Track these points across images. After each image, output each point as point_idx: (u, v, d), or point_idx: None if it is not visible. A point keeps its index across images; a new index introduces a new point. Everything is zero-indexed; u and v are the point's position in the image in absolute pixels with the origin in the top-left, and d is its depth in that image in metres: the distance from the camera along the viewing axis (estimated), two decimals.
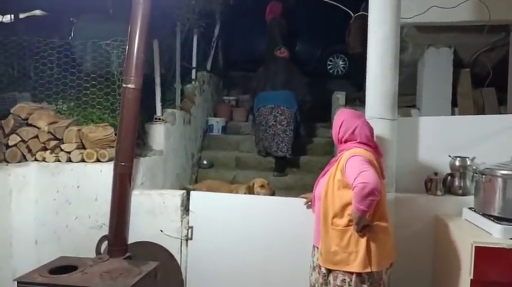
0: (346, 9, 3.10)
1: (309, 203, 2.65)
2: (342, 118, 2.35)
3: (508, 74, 3.91)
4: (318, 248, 2.30)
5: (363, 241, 2.11)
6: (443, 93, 4.70)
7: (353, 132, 2.28)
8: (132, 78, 2.94)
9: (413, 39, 4.55)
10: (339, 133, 2.33)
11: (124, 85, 2.95)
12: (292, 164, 4.91)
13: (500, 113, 4.43)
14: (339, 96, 5.07)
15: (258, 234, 2.87)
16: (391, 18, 2.73)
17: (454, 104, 4.73)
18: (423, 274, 2.77)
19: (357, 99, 5.01)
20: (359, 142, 2.26)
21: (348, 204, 2.12)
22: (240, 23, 6.27)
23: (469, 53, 4.76)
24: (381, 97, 2.75)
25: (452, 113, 4.65)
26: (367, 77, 2.82)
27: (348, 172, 2.11)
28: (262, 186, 3.44)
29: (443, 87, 4.69)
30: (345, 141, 2.30)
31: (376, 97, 2.77)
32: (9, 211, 2.91)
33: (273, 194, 3.47)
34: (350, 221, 2.13)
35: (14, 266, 2.90)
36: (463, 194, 2.74)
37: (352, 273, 2.11)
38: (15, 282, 2.41)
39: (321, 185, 2.30)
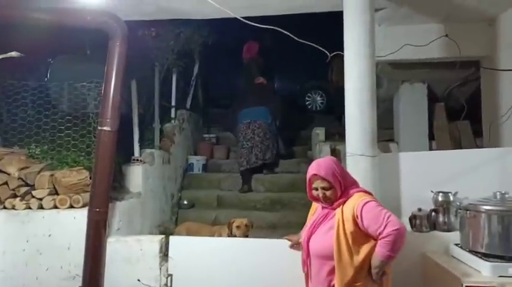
0: (322, 49, 3.15)
1: (294, 245, 2.56)
2: (333, 164, 2.10)
3: (482, 107, 4.02)
4: None
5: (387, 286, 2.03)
6: (420, 127, 4.79)
7: (347, 178, 2.12)
8: (108, 120, 2.87)
9: (387, 75, 4.67)
10: (343, 180, 2.07)
11: (99, 128, 2.87)
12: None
13: (477, 145, 4.52)
14: (319, 132, 5.09)
15: (240, 278, 2.72)
16: (367, 56, 2.79)
17: (431, 137, 4.82)
18: None
19: (336, 135, 5.04)
20: (356, 184, 2.14)
21: (368, 257, 1.95)
22: (219, 61, 6.35)
23: (443, 87, 4.92)
24: (360, 133, 2.76)
25: (430, 146, 4.73)
26: (345, 114, 2.83)
27: (368, 221, 1.93)
28: (238, 227, 3.33)
29: (420, 121, 4.79)
30: (346, 187, 2.09)
31: (355, 133, 2.78)
32: None
33: (246, 235, 3.35)
34: (368, 273, 1.97)
35: None
36: (448, 230, 2.70)
37: None
38: None
39: (322, 241, 2.05)
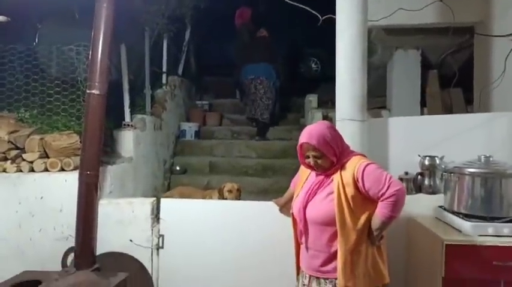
0: (314, 12, 3.10)
1: (282, 209, 2.60)
2: (327, 130, 2.01)
3: (474, 74, 4.01)
4: (315, 277, 2.05)
5: (383, 250, 2.04)
6: (412, 94, 4.79)
7: (341, 143, 2.06)
8: (96, 84, 2.83)
9: (381, 41, 4.62)
10: (337, 147, 2.00)
11: (88, 91, 2.84)
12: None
13: (468, 112, 4.55)
14: (312, 99, 5.09)
15: (230, 240, 2.81)
16: (359, 21, 2.75)
17: (423, 104, 4.83)
18: (396, 274, 2.77)
19: (329, 102, 5.04)
20: (351, 149, 2.11)
21: (369, 220, 1.95)
22: (212, 27, 6.23)
23: (437, 54, 4.88)
24: (350, 99, 2.76)
25: (422, 114, 4.74)
26: (336, 79, 2.82)
27: (370, 183, 1.91)
28: (229, 191, 3.38)
29: (412, 88, 4.78)
30: (341, 153, 2.03)
31: (345, 99, 2.78)
32: None
33: (238, 197, 3.42)
34: (368, 236, 1.97)
35: None
36: (433, 193, 2.77)
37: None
38: None
39: (322, 207, 1.99)
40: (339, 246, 1.92)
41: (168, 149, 5.01)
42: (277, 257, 2.61)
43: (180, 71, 5.67)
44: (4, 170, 2.98)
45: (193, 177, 4.80)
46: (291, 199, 2.34)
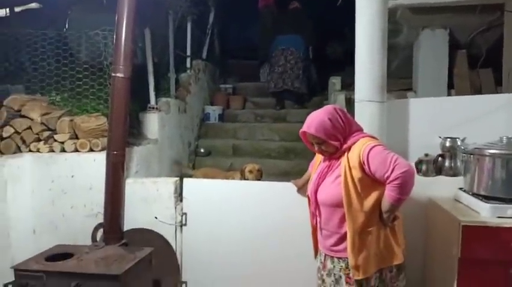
0: None
1: (299, 189, 2.64)
2: (326, 117, 2.02)
3: (503, 54, 3.87)
4: (329, 256, 2.10)
5: (398, 231, 2.05)
6: (439, 75, 4.65)
7: (350, 124, 2.07)
8: (120, 67, 2.94)
9: (407, 21, 4.49)
10: (339, 132, 2.01)
11: (113, 74, 2.95)
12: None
13: (497, 93, 4.40)
14: (335, 81, 5.04)
15: (250, 219, 2.89)
16: (379, 1, 2.71)
17: (451, 85, 4.69)
18: (414, 255, 2.79)
19: (353, 84, 4.97)
20: (360, 131, 2.09)
21: (378, 202, 1.96)
22: (235, 10, 6.23)
23: (465, 34, 4.70)
24: (369, 80, 2.75)
25: (449, 95, 4.62)
26: (355, 59, 2.80)
27: (375, 166, 1.90)
28: (250, 171, 3.46)
29: (440, 69, 4.64)
30: (346, 137, 2.04)
31: (365, 80, 2.77)
32: (5, 201, 2.95)
33: (260, 178, 3.50)
34: (380, 218, 1.98)
35: (12, 256, 2.95)
36: (454, 175, 2.74)
37: (391, 266, 2.03)
38: (13, 270, 2.47)
39: (330, 190, 2.04)
40: (347, 227, 1.96)
41: (193, 131, 5.12)
42: (296, 237, 2.67)
43: (204, 54, 5.73)
44: (38, 150, 3.16)
45: (217, 159, 4.90)
46: (308, 181, 2.40)
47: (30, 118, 3.19)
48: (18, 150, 3.18)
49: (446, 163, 2.76)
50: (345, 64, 6.37)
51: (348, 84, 5.13)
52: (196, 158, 4.98)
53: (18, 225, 3.05)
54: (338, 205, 1.99)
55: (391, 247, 2.03)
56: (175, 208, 3.08)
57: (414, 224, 2.75)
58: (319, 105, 5.41)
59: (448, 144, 2.75)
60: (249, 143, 5.09)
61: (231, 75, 6.44)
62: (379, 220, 1.99)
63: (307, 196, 2.23)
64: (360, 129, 2.12)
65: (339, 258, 2.06)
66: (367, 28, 2.72)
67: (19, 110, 3.21)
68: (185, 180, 3.10)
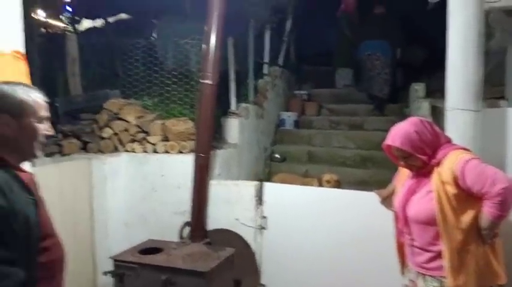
0: None
1: (383, 200, 2.57)
2: (412, 129, 1.92)
3: None
4: (421, 274, 1.99)
5: (498, 249, 1.91)
6: None
7: (438, 136, 1.95)
8: (209, 74, 3.12)
9: (500, 24, 4.17)
10: (427, 145, 1.91)
11: (201, 81, 3.13)
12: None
13: None
14: (418, 88, 4.80)
15: (330, 227, 2.89)
16: (474, 2, 2.57)
17: None
18: None
19: (438, 91, 4.73)
20: (449, 143, 1.96)
21: (476, 218, 1.84)
22: (312, 17, 6.24)
23: None
24: (463, 87, 2.59)
25: None
26: (446, 65, 2.67)
27: (472, 181, 1.79)
28: (328, 181, 3.44)
29: None
30: (435, 150, 1.92)
31: (457, 87, 2.62)
32: (105, 196, 3.25)
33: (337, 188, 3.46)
34: (479, 235, 1.86)
35: (108, 246, 3.23)
36: None
37: None
38: (110, 259, 2.71)
39: (421, 206, 1.93)
40: (443, 245, 1.85)
41: (269, 137, 5.21)
42: (377, 248, 2.62)
43: (280, 61, 5.82)
44: (133, 150, 3.44)
45: (292, 165, 4.93)
46: (392, 192, 2.30)
47: (126, 121, 3.48)
48: (115, 149, 3.48)
49: None
50: (427, 70, 6.12)
51: (432, 91, 4.90)
52: (272, 163, 5.05)
53: (113, 218, 3.34)
54: (430, 222, 1.88)
55: (492, 265, 1.89)
56: (256, 211, 3.16)
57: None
58: (398, 113, 5.31)
59: None
60: (324, 150, 5.05)
61: (306, 82, 6.44)
62: (478, 237, 1.85)
63: (394, 211, 2.12)
64: (449, 141, 1.99)
65: (432, 276, 1.94)
66: (461, 30, 2.57)
67: (117, 113, 3.52)
68: (266, 184, 3.17)
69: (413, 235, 1.99)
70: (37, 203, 1.35)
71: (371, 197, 2.67)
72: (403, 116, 5.05)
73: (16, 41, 2.42)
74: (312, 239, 2.91)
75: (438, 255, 1.89)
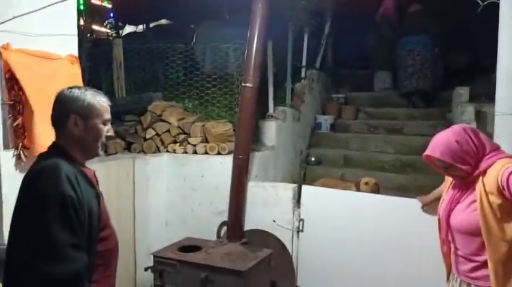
0: None
1: (425, 207, 2.52)
2: (453, 139, 1.85)
3: None
4: (466, 283, 1.94)
5: None
6: None
7: (483, 145, 1.87)
8: (250, 77, 3.17)
9: None
10: (469, 156, 1.83)
11: (243, 84, 3.19)
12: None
13: None
14: (462, 92, 4.64)
15: (367, 232, 2.84)
16: None
17: None
18: None
19: (483, 95, 4.56)
20: (496, 151, 1.87)
21: None
22: (350, 20, 6.18)
23: None
24: None
25: None
26: (497, 66, 2.59)
27: None
28: (366, 183, 3.39)
29: None
30: (479, 160, 1.85)
31: (508, 91, 2.53)
32: (147, 195, 3.36)
33: (376, 192, 3.40)
34: None
35: (149, 243, 3.34)
36: None
37: None
38: (150, 256, 2.80)
39: (465, 217, 1.88)
40: (488, 256, 1.79)
41: (305, 140, 5.21)
42: (417, 256, 2.56)
43: (317, 64, 5.80)
44: (174, 151, 3.55)
45: (328, 169, 4.90)
46: (438, 198, 2.25)
47: (168, 122, 3.59)
48: (157, 150, 3.60)
49: None
50: (471, 74, 5.90)
51: (477, 96, 4.73)
52: (307, 166, 5.05)
53: (154, 216, 3.45)
54: (474, 233, 1.83)
55: None
56: (293, 213, 3.17)
57: None
58: (439, 118, 5.16)
59: None
60: (361, 154, 4.99)
61: (343, 85, 6.39)
62: None
63: (438, 220, 2.08)
64: (497, 149, 1.90)
65: (477, 286, 1.88)
66: None
67: (160, 115, 3.65)
68: (303, 187, 3.17)
69: (457, 244, 1.94)
70: (99, 196, 1.49)
71: (411, 204, 2.63)
72: (445, 121, 4.94)
73: (71, 46, 2.58)
74: (348, 244, 2.89)
75: (484, 264, 1.83)
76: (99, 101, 1.51)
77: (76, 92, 1.49)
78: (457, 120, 4.35)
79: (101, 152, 1.55)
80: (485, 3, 2.90)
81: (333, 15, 5.80)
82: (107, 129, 1.53)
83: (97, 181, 1.57)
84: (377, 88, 6.10)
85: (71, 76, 2.48)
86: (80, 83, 2.51)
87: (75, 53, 2.59)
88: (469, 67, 6.05)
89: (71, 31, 2.58)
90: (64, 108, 1.47)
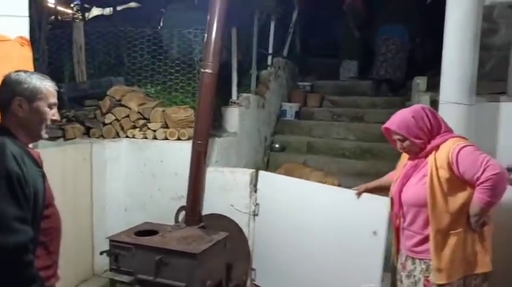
0: None
1: (361, 193, 2.57)
2: (410, 115, 2.00)
3: None
4: (410, 257, 2.05)
5: (486, 237, 1.95)
6: None
7: (439, 125, 2.00)
8: (209, 63, 3.17)
9: (506, 19, 4.15)
10: (422, 131, 1.97)
11: (202, 70, 3.19)
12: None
13: None
14: (419, 82, 4.81)
15: (315, 217, 2.86)
16: None
17: None
18: (502, 264, 2.56)
19: (439, 85, 4.72)
20: (449, 131, 2.02)
21: (466, 204, 1.89)
22: (319, 8, 6.24)
23: None
24: (457, 81, 2.64)
25: None
26: (443, 60, 2.71)
27: (465, 166, 1.85)
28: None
29: None
30: (434, 136, 1.99)
31: (452, 81, 2.67)
32: (104, 180, 3.35)
33: None
34: (467, 221, 1.91)
35: (107, 228, 3.34)
36: None
37: (477, 274, 1.95)
38: (107, 240, 2.82)
39: (415, 190, 2.00)
40: (430, 228, 1.92)
41: (269, 127, 5.28)
42: (357, 236, 2.63)
43: (285, 52, 5.84)
44: (133, 136, 3.54)
45: (291, 155, 5.00)
46: (378, 187, 2.47)
47: (128, 107, 3.57)
48: (117, 135, 3.58)
49: None
50: (433, 64, 6.07)
51: (434, 85, 4.89)
52: (271, 153, 5.13)
53: (112, 201, 3.45)
54: (422, 205, 1.95)
55: (479, 253, 1.94)
56: (250, 198, 3.24)
57: (503, 230, 2.54)
58: (399, 106, 5.28)
59: None
60: (324, 141, 5.11)
61: (310, 73, 6.47)
62: (467, 223, 1.91)
63: (390, 197, 2.19)
64: (450, 130, 2.05)
65: (420, 259, 2.00)
66: (457, 25, 2.61)
67: (120, 100, 3.61)
68: (260, 172, 3.24)
69: (407, 219, 2.06)
70: (44, 176, 1.54)
71: (353, 196, 2.64)
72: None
73: (22, 27, 2.51)
74: (297, 229, 2.92)
75: (428, 238, 1.95)
76: (45, 85, 1.55)
77: (22, 75, 1.54)
78: None
79: (45, 135, 1.59)
80: None
81: (300, 2, 5.84)
82: (52, 113, 1.58)
83: (41, 161, 1.61)
84: (343, 77, 6.21)
85: (21, 58, 2.43)
86: (31, 66, 2.46)
87: (26, 35, 2.53)
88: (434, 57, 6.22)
89: (21, 12, 2.51)
90: (9, 91, 1.51)
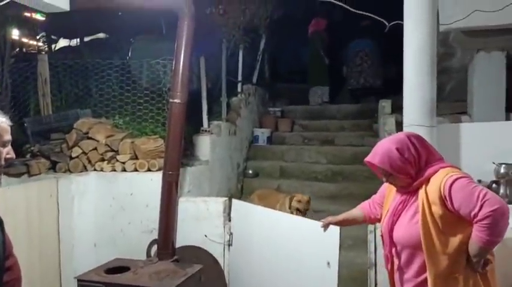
0: (380, 19, 3.13)
1: (327, 225, 2.21)
2: (393, 146, 1.76)
3: None
4: None
5: (490, 277, 1.72)
6: (496, 99, 4.45)
7: (428, 153, 1.77)
8: (178, 93, 3.19)
9: (461, 44, 4.40)
10: (410, 164, 1.73)
11: (171, 100, 3.20)
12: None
13: None
14: (385, 104, 4.98)
15: (278, 248, 2.82)
16: (428, 26, 2.73)
17: (510, 109, 4.48)
18: None
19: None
20: (441, 160, 1.78)
21: (464, 242, 1.66)
22: (285, 36, 6.42)
23: None
24: (418, 104, 2.74)
25: (507, 119, 4.41)
26: (404, 83, 2.82)
27: (459, 202, 1.62)
28: (299, 201, 3.50)
29: (496, 92, 4.45)
30: (423, 167, 1.75)
31: (413, 105, 2.77)
32: (71, 215, 3.23)
33: (304, 213, 3.45)
34: (467, 262, 1.68)
35: (75, 267, 3.20)
36: (510, 202, 2.62)
37: None
38: (76, 280, 2.70)
39: (407, 229, 1.76)
40: (428, 272, 1.69)
41: (242, 153, 5.29)
42: (314, 275, 2.56)
43: (254, 79, 5.94)
44: (101, 169, 3.45)
45: (265, 181, 5.00)
46: (347, 220, 2.16)
47: (96, 140, 3.50)
48: (85, 169, 3.49)
49: (501, 190, 2.66)
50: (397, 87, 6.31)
51: (400, 107, 5.07)
52: (245, 179, 5.12)
53: (81, 238, 3.32)
54: (417, 246, 1.71)
55: None
56: (224, 227, 3.20)
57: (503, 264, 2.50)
58: (367, 129, 5.46)
59: (503, 170, 2.66)
60: (296, 165, 5.15)
61: (280, 99, 6.59)
62: (467, 265, 1.68)
63: (381, 236, 1.95)
64: (441, 159, 1.80)
65: None
66: (415, 52, 2.73)
67: (87, 133, 3.54)
68: (233, 201, 3.22)
69: (401, 261, 1.82)
70: (2, 223, 1.40)
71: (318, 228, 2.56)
72: (372, 132, 5.24)
73: None
74: (266, 259, 2.87)
75: (424, 284, 1.72)
76: None
77: None
78: (381, 131, 4.64)
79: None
80: (391, 24, 3.18)
81: (267, 31, 5.99)
82: (7, 151, 1.45)
83: None
84: (312, 102, 6.35)
85: None
86: None
87: None
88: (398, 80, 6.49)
89: None
90: None
